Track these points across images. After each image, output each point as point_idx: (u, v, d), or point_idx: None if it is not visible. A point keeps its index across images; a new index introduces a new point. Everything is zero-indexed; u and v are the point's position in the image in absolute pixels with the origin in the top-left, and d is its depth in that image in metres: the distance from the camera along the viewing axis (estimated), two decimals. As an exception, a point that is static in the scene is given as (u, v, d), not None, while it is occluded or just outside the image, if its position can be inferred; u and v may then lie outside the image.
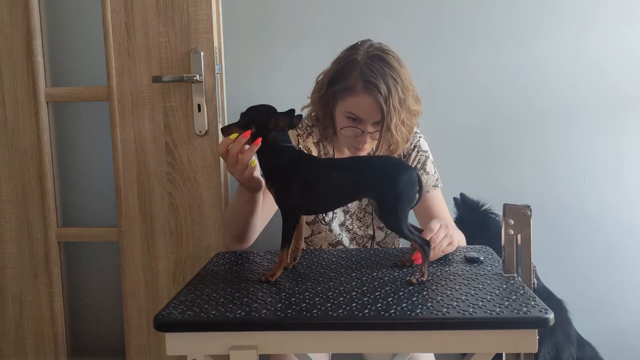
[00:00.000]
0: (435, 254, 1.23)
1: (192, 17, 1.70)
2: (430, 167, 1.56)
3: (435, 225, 1.25)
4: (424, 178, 1.53)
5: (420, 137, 1.57)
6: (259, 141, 1.13)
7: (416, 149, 1.55)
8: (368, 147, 1.44)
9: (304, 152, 1.17)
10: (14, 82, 1.82)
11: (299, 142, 1.54)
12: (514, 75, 1.96)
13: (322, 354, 1.52)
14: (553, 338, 1.73)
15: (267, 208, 1.43)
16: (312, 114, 1.52)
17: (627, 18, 1.92)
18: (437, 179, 1.57)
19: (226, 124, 1.73)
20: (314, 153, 1.54)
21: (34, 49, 1.80)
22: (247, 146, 1.14)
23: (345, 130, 1.42)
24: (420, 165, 1.55)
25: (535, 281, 1.14)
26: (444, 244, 1.25)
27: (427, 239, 1.18)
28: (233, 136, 1.15)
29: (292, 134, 1.53)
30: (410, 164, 1.54)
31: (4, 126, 1.83)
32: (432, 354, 1.50)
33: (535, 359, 1.07)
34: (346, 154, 1.54)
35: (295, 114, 1.15)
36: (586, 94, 1.95)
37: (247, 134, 1.14)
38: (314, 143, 1.55)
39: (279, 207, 1.15)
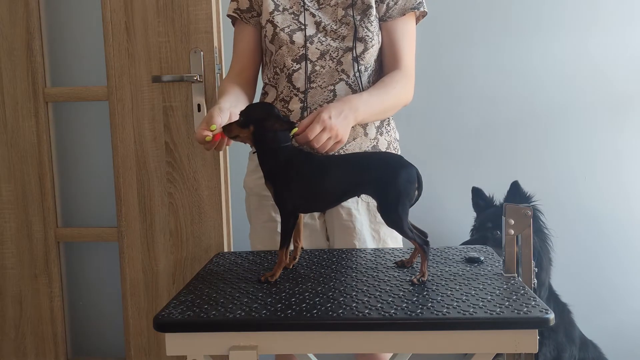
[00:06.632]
0: (318, 149, 1.14)
1: (192, 17, 1.70)
2: None
3: (310, 118, 1.13)
4: None
5: None
6: (218, 137, 1.14)
7: None
8: None
9: (303, 150, 1.15)
10: (14, 82, 1.82)
11: None
12: (513, 74, 1.96)
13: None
14: (555, 338, 1.73)
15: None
16: None
17: (627, 18, 1.92)
18: (419, 2, 1.34)
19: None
20: None
21: (34, 49, 1.80)
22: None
23: None
24: None
25: (535, 281, 1.14)
26: (323, 139, 1.12)
27: (306, 136, 1.11)
28: (213, 127, 1.14)
29: None
30: None
31: (4, 126, 1.83)
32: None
33: (536, 359, 1.07)
34: None
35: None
36: (586, 94, 1.95)
37: (217, 137, 1.14)
38: None
39: (277, 206, 1.14)
